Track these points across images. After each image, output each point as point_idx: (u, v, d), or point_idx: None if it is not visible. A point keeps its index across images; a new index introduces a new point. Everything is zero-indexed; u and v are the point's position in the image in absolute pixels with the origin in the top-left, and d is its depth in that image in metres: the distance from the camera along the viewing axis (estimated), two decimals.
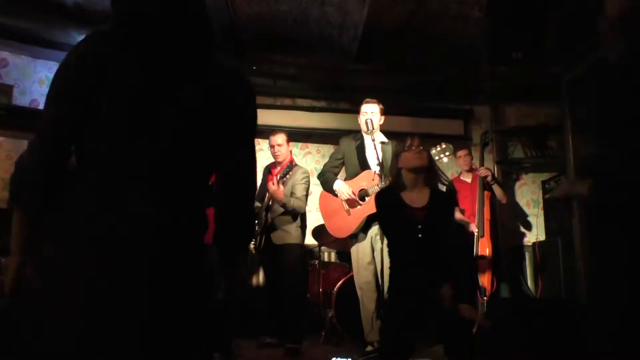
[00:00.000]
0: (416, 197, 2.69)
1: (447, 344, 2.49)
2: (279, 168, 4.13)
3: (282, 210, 4.01)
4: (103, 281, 1.05)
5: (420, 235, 2.61)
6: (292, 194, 4.01)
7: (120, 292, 1.05)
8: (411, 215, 2.64)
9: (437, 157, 3.54)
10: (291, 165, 3.99)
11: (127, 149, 1.11)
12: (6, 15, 4.38)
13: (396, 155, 2.83)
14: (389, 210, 2.76)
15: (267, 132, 4.35)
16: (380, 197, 2.87)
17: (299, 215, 4.11)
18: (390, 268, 2.84)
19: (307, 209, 5.51)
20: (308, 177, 4.15)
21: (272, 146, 4.17)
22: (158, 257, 1.09)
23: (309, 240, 5.04)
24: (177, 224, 1.14)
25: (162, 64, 1.16)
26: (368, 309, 3.67)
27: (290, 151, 4.23)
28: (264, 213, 4.07)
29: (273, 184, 3.86)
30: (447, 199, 2.84)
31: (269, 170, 4.31)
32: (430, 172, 2.79)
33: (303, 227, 4.16)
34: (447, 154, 3.55)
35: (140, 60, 1.14)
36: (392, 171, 2.90)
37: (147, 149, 1.12)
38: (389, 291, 2.77)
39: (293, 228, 4.03)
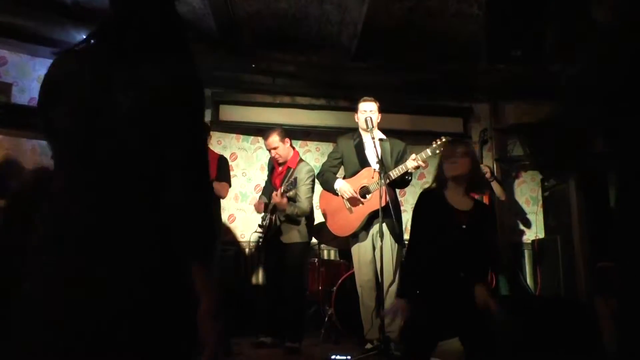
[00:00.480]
0: (459, 201, 2.65)
1: (465, 338, 2.47)
2: (280, 169, 4.11)
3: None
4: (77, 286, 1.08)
5: (462, 237, 2.57)
6: (296, 195, 3.97)
7: (93, 295, 1.08)
8: (456, 216, 2.60)
9: (437, 151, 3.56)
10: (290, 171, 3.96)
11: (77, 155, 1.17)
12: (5, 13, 4.37)
13: (440, 162, 2.80)
14: (433, 209, 2.69)
15: (266, 130, 4.33)
16: (423, 196, 2.81)
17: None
18: (418, 268, 2.74)
19: None
20: (313, 174, 4.09)
21: (268, 150, 4.13)
22: (116, 261, 1.10)
23: None
24: (135, 226, 1.14)
25: (107, 66, 1.20)
26: (368, 306, 3.68)
27: (291, 147, 4.18)
28: (269, 215, 4.04)
29: (276, 195, 3.85)
30: (488, 210, 2.80)
31: (272, 166, 4.29)
32: (472, 179, 2.70)
33: (310, 223, 4.12)
34: None
35: (88, 64, 1.21)
36: (436, 175, 2.84)
37: (95, 153, 1.15)
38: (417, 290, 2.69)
39: (301, 226, 4.01)
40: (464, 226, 2.58)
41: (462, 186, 2.66)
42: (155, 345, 1.11)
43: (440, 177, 2.74)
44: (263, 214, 4.13)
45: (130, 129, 1.14)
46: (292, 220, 3.96)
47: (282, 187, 3.86)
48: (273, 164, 4.24)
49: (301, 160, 4.18)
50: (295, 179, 3.93)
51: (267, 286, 4.26)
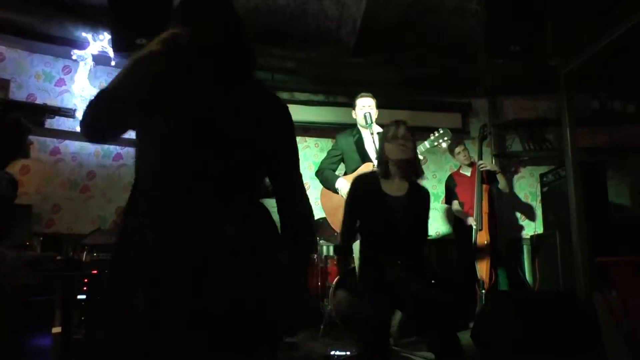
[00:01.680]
0: (395, 187, 2.57)
1: (433, 344, 2.42)
2: None
3: (271, 198, 4.00)
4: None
5: (398, 225, 2.49)
6: None
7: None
8: (391, 203, 2.53)
9: (435, 143, 3.55)
10: None
11: (194, 157, 1.28)
12: (2, 8, 4.35)
13: (381, 143, 2.67)
14: (366, 195, 2.60)
15: None
16: (357, 181, 2.71)
17: None
18: (362, 260, 2.66)
19: None
20: None
21: None
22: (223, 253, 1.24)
23: None
24: (241, 223, 1.30)
25: (219, 82, 1.34)
26: None
27: None
28: None
29: None
30: (424, 192, 2.67)
31: None
32: (413, 163, 2.64)
33: None
34: (445, 138, 3.57)
35: (203, 77, 1.32)
36: (378, 157, 2.74)
37: (212, 158, 1.28)
38: (362, 286, 2.57)
39: None
40: (399, 213, 2.50)
41: (402, 170, 2.58)
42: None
43: (383, 166, 2.63)
44: None
45: (239, 143, 1.32)
46: None
47: None
48: None
49: None
50: None
51: None
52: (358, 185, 2.68)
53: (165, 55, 1.29)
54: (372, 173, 2.71)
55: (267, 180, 1.44)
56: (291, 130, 1.48)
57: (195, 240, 1.21)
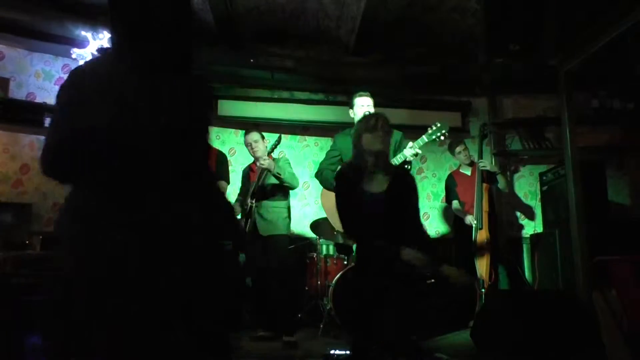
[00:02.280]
0: (376, 183, 2.53)
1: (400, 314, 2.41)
2: (256, 168, 4.21)
3: (268, 198, 4.08)
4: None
5: (378, 225, 2.46)
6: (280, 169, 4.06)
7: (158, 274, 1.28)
8: (369, 202, 2.49)
9: (433, 137, 3.55)
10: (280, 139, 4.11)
11: (132, 156, 1.31)
12: (2, 7, 4.35)
13: (358, 134, 2.62)
14: (349, 192, 2.57)
15: (263, 125, 4.32)
16: (339, 180, 2.67)
17: (287, 207, 4.16)
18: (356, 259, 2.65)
19: (305, 202, 5.53)
20: (288, 160, 4.27)
21: (248, 144, 4.20)
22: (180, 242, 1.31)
23: (308, 233, 5.04)
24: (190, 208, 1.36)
25: (147, 75, 1.38)
26: None
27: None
28: (249, 200, 4.10)
29: (264, 159, 3.92)
30: (408, 181, 2.61)
31: (250, 168, 4.41)
32: (387, 156, 2.61)
33: (289, 217, 4.21)
34: (442, 131, 3.57)
35: (130, 74, 1.37)
36: (354, 150, 2.66)
37: (149, 154, 1.32)
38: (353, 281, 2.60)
39: (280, 219, 4.08)
40: (378, 213, 2.47)
41: (381, 162, 2.55)
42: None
43: (359, 159, 2.59)
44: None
45: (174, 133, 1.37)
46: (276, 200, 4.11)
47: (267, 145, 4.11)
48: (250, 167, 4.39)
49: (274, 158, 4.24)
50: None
51: (254, 281, 4.26)
52: (340, 181, 2.66)
53: (76, 85, 1.36)
54: (351, 166, 2.65)
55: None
56: (208, 109, 1.58)
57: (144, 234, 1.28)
